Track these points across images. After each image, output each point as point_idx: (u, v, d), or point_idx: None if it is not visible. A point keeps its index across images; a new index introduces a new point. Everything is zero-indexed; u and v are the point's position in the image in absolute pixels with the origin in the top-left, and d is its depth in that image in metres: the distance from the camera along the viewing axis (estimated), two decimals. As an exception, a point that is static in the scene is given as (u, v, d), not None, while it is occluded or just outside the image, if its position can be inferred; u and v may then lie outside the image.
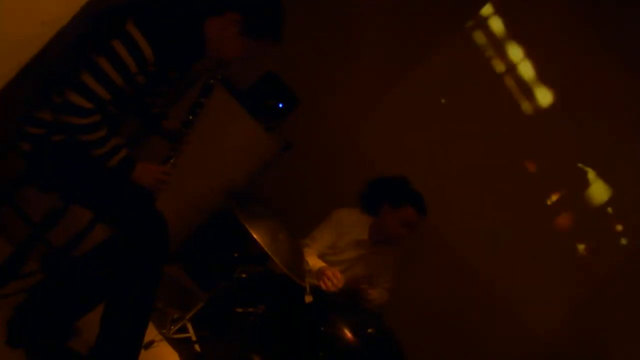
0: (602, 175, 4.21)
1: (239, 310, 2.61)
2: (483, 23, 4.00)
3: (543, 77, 4.01)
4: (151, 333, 2.40)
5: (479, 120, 4.01)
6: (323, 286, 2.59)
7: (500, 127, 4.07)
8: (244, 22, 1.84)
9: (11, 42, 1.13)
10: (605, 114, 4.06)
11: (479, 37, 3.99)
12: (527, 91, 4.02)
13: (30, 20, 1.13)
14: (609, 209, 4.28)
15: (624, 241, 4.32)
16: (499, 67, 3.98)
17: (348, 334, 2.40)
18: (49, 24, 1.16)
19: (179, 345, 2.57)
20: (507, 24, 4.00)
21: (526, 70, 4.01)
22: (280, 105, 3.31)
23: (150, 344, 2.34)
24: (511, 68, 4.00)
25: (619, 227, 4.28)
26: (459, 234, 3.98)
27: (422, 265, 3.91)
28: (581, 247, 4.31)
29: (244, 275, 2.63)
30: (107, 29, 1.72)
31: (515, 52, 4.00)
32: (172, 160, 2.03)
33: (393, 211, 2.91)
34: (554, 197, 4.25)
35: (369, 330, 2.48)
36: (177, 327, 2.56)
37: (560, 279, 4.24)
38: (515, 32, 4.00)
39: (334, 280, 2.60)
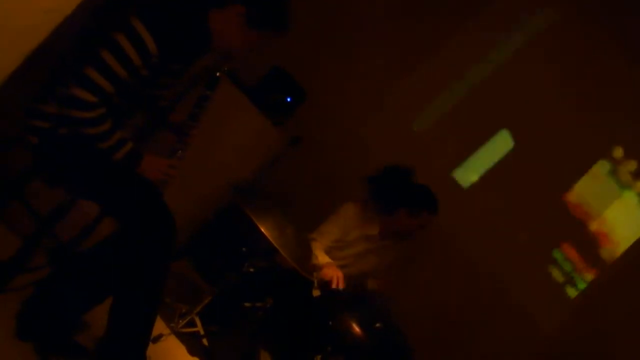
0: (607, 171, 4.19)
1: (247, 304, 2.61)
2: (489, 16, 3.97)
3: (548, 70, 3.98)
4: (159, 327, 2.40)
5: (484, 114, 3.99)
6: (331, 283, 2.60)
7: (504, 122, 4.05)
8: (248, 14, 1.83)
9: (14, 31, 1.12)
10: (610, 108, 4.04)
11: (485, 30, 3.96)
12: (531, 86, 3.99)
13: (33, 9, 1.12)
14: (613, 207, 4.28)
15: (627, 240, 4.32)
16: (505, 60, 3.95)
17: (356, 328, 2.40)
18: (52, 12, 1.15)
19: (186, 339, 2.57)
20: (512, 18, 3.97)
21: (531, 64, 3.98)
22: (288, 100, 3.30)
23: (159, 337, 2.35)
24: (517, 62, 3.97)
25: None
26: (466, 233, 3.97)
27: (432, 264, 3.91)
28: (586, 245, 4.31)
29: (251, 270, 2.63)
30: (111, 22, 1.71)
31: (520, 45, 3.97)
32: (178, 153, 2.03)
33: (411, 217, 2.92)
34: (562, 196, 4.24)
35: (377, 325, 2.47)
36: (185, 322, 2.57)
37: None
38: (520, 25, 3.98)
39: (335, 282, 2.60)
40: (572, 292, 4.34)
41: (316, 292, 2.43)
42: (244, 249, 2.71)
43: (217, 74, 2.04)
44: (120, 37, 1.68)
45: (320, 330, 2.46)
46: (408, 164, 3.03)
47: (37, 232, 2.02)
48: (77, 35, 1.78)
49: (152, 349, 1.92)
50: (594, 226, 4.34)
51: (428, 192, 2.97)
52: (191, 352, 2.55)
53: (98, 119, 1.74)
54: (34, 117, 1.80)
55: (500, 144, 4.12)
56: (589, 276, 4.34)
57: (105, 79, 1.69)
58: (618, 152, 4.24)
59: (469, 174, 4.12)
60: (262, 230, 2.24)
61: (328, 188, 3.66)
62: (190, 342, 2.57)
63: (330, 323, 2.45)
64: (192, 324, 2.60)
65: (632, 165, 4.27)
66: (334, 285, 2.57)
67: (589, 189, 4.28)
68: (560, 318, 4.22)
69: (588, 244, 4.31)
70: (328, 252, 2.84)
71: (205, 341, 2.61)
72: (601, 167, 4.26)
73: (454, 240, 3.94)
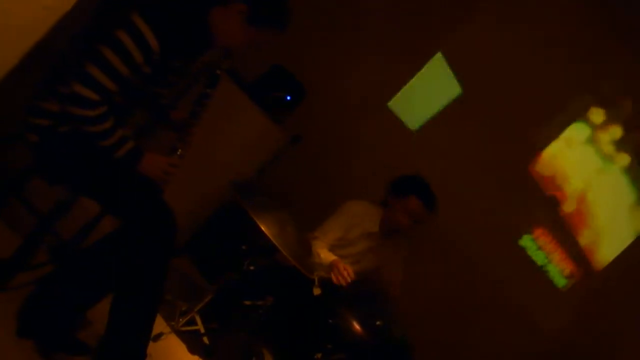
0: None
1: (247, 302, 2.61)
2: (489, 16, 3.97)
3: (550, 64, 3.97)
4: (160, 325, 2.41)
5: (487, 113, 3.98)
6: (334, 279, 2.59)
7: (510, 119, 4.04)
8: (249, 12, 1.83)
9: (13, 28, 1.12)
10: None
11: (487, 26, 3.95)
12: (535, 81, 3.98)
13: (32, 5, 1.12)
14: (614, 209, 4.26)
15: (627, 240, 4.30)
16: (508, 56, 3.94)
17: (356, 326, 2.40)
18: (51, 8, 1.15)
19: (187, 337, 2.57)
20: (516, 12, 3.97)
21: (535, 58, 3.97)
22: (288, 98, 3.30)
23: (159, 336, 2.34)
24: (520, 57, 3.96)
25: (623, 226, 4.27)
26: (469, 233, 3.97)
27: (435, 264, 3.92)
28: (586, 245, 4.30)
29: (252, 268, 2.63)
30: (112, 19, 1.71)
31: (523, 40, 3.96)
32: (179, 151, 2.02)
33: (398, 200, 2.92)
34: (563, 195, 4.23)
35: (377, 323, 2.47)
36: (185, 320, 2.57)
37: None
38: (523, 19, 3.97)
39: (345, 273, 2.60)
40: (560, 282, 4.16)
41: (317, 291, 2.43)
42: (244, 247, 2.71)
43: (218, 71, 2.04)
44: (122, 34, 1.68)
45: (321, 328, 2.46)
46: (408, 164, 3.05)
47: (39, 230, 2.02)
48: (78, 32, 1.78)
49: (152, 347, 1.93)
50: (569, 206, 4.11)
51: (419, 179, 2.98)
52: (191, 350, 2.55)
53: (100, 117, 1.74)
54: (34, 115, 1.80)
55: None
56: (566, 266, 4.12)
57: (108, 77, 1.69)
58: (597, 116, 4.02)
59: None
60: (262, 228, 2.23)
61: (328, 187, 3.67)
62: (190, 340, 2.57)
63: (331, 321, 2.45)
64: (192, 322, 2.60)
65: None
66: (345, 277, 2.57)
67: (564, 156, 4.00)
68: (560, 317, 4.22)
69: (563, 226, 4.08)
70: (330, 250, 2.84)
71: (205, 339, 2.61)
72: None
73: (453, 240, 3.94)
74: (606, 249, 4.29)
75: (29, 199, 1.99)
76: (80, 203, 2.07)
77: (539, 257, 4.12)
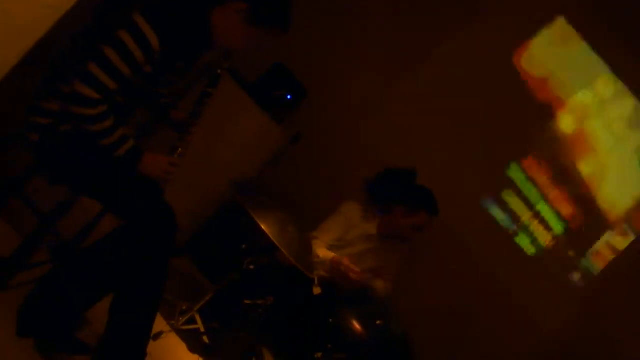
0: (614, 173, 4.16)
1: (248, 302, 2.61)
2: (490, 17, 3.96)
3: (548, 65, 3.97)
4: (160, 324, 2.40)
5: (487, 114, 3.98)
6: (352, 275, 2.60)
7: (508, 119, 4.04)
8: (249, 12, 1.83)
9: (14, 27, 1.12)
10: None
11: (486, 26, 3.95)
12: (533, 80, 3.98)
13: (32, 5, 1.12)
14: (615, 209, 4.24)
15: (629, 240, 4.29)
16: (506, 57, 3.94)
17: (356, 326, 2.40)
18: (52, 7, 1.15)
19: (187, 336, 2.58)
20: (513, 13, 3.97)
21: (533, 59, 3.96)
22: (289, 97, 3.30)
23: (159, 335, 2.34)
24: (518, 57, 3.96)
25: (625, 227, 4.25)
26: (469, 232, 3.96)
27: (435, 264, 3.91)
28: (588, 246, 4.29)
29: (252, 267, 2.63)
30: (114, 18, 1.72)
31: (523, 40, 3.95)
32: (179, 151, 2.02)
33: (407, 215, 2.90)
34: (565, 194, 4.21)
35: (377, 322, 2.47)
36: (185, 319, 2.57)
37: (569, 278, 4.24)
38: (523, 19, 3.97)
39: (349, 269, 2.60)
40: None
41: (317, 290, 2.43)
42: (244, 246, 2.71)
43: (219, 71, 2.04)
44: (124, 34, 1.68)
45: (321, 327, 2.46)
46: (409, 165, 3.03)
47: (39, 230, 2.02)
48: (79, 31, 1.78)
49: (152, 346, 1.93)
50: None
51: (427, 192, 2.96)
52: (191, 349, 2.55)
53: (100, 116, 1.74)
54: (35, 114, 1.80)
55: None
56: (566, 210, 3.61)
57: (109, 76, 1.69)
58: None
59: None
60: (263, 227, 2.24)
61: (328, 187, 3.66)
62: (190, 339, 2.57)
63: (331, 321, 2.45)
64: (192, 321, 2.61)
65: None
66: (350, 266, 2.58)
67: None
68: (560, 317, 4.22)
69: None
70: (329, 251, 2.84)
71: (205, 338, 2.61)
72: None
73: (453, 240, 3.94)
74: (612, 184, 3.68)
75: (30, 198, 1.99)
76: (80, 203, 2.07)
77: (531, 194, 3.69)
